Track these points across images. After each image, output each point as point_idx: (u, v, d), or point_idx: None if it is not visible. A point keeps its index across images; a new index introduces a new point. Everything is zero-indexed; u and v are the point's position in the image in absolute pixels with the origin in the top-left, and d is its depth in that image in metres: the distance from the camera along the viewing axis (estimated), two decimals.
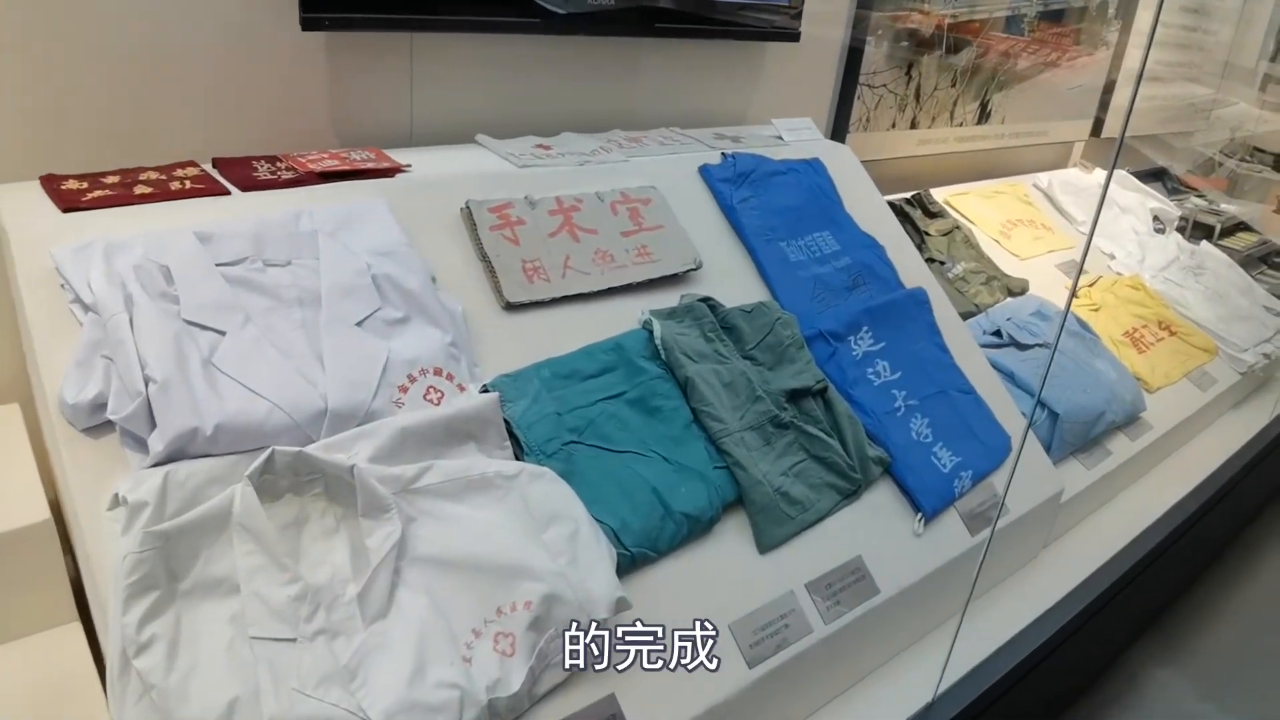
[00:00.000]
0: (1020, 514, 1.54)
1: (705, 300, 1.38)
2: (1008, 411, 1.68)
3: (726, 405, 1.28)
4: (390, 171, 1.32)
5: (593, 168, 1.48)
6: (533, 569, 0.98)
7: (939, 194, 2.44)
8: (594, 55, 1.70)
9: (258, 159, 1.29)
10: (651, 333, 1.29)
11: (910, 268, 1.77)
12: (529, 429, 1.11)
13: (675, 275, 1.40)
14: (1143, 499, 1.91)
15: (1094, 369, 1.90)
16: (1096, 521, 1.84)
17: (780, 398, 1.34)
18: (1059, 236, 2.49)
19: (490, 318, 1.23)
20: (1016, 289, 2.21)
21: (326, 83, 1.42)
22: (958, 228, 2.28)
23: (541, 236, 1.32)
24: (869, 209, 1.81)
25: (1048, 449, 1.73)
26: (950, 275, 2.15)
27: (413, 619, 0.93)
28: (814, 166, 1.73)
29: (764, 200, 1.61)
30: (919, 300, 1.65)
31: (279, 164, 1.29)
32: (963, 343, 1.72)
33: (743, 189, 1.59)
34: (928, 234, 2.23)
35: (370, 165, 1.32)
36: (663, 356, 1.27)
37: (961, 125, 2.50)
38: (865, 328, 1.54)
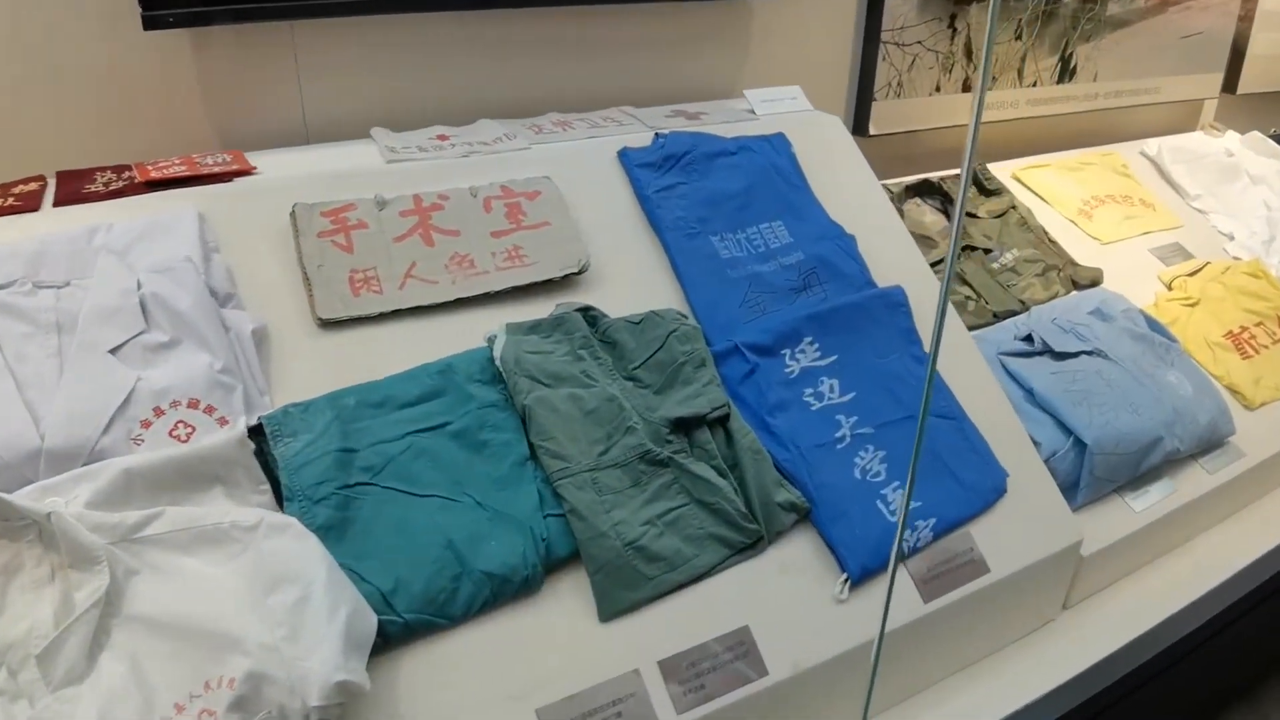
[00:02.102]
0: (1009, 573, 1.23)
1: (584, 310, 1.18)
2: (1017, 441, 1.35)
3: (580, 438, 1.07)
4: (228, 176, 1.21)
5: (481, 158, 1.31)
6: (242, 641, 0.83)
7: (1006, 167, 2.06)
8: (524, 30, 1.52)
9: (103, 169, 1.22)
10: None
11: (904, 264, 1.47)
12: (297, 471, 0.96)
13: (552, 281, 1.21)
14: (1222, 546, 1.50)
15: (1159, 382, 1.51)
16: (1154, 574, 1.46)
17: (663, 428, 1.11)
18: (1160, 215, 2.03)
19: (305, 338, 1.09)
20: (1085, 280, 1.81)
21: (198, 84, 1.33)
22: (1013, 207, 1.90)
23: (385, 241, 1.16)
24: (856, 191, 1.52)
25: (1074, 486, 1.38)
26: (994, 265, 1.79)
27: (106, 686, 0.82)
28: (773, 143, 1.46)
29: (697, 186, 1.37)
30: (893, 302, 1.35)
31: (124, 174, 1.21)
32: (963, 354, 1.41)
33: (670, 174, 1.36)
34: (975, 216, 1.88)
35: (218, 169, 1.22)
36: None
37: (1035, 85, 2.09)
38: (808, 338, 1.27)
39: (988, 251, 1.81)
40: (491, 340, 1.11)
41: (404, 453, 1.02)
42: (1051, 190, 2.01)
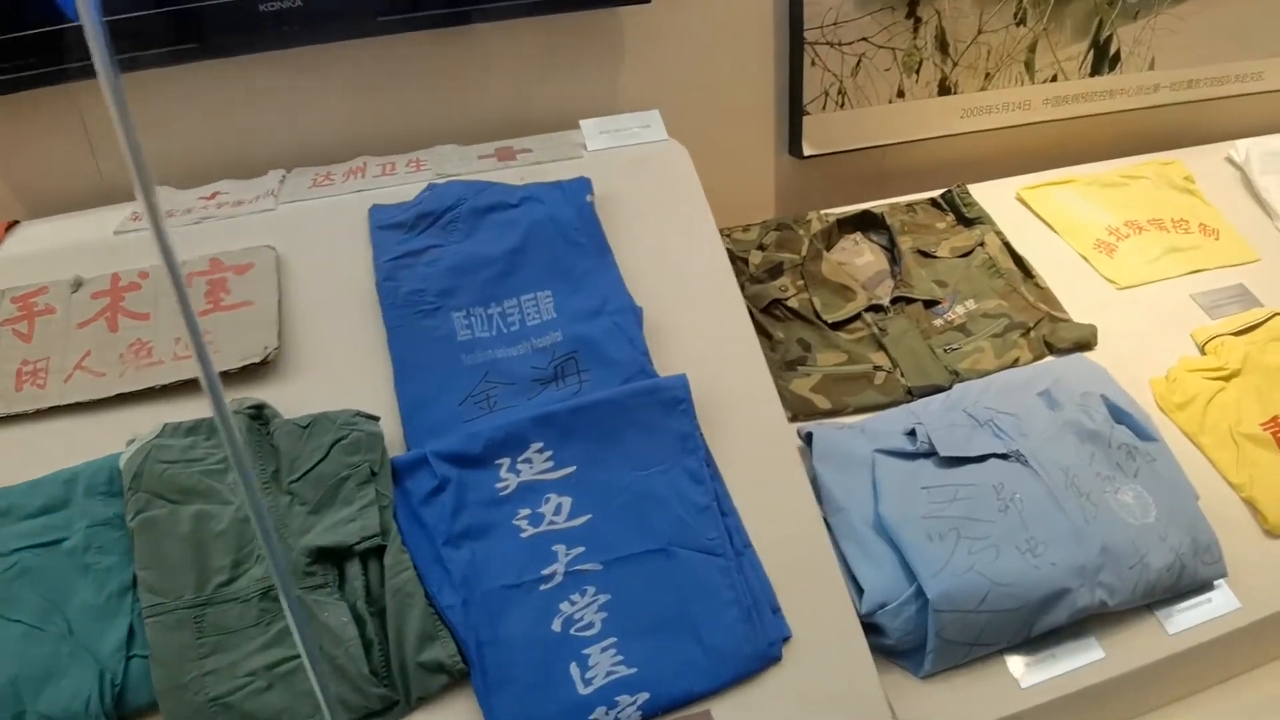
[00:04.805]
0: None
1: (258, 408, 1.04)
2: (827, 584, 1.05)
3: (195, 567, 0.94)
4: None
5: (214, 224, 1.20)
6: None
7: (1012, 185, 1.63)
8: (341, 66, 1.38)
9: None
10: None
11: (725, 344, 1.17)
12: None
13: (232, 373, 1.07)
14: None
15: (1094, 506, 1.10)
16: None
17: (304, 558, 0.96)
18: (1225, 245, 1.51)
19: None
20: (1065, 343, 1.38)
21: None
22: (981, 244, 1.49)
23: (68, 328, 1.09)
24: (688, 244, 1.24)
25: (916, 653, 1.05)
26: (938, 321, 1.41)
27: None
28: (566, 191, 1.22)
29: (454, 250, 1.17)
30: (668, 399, 1.08)
31: None
32: (774, 455, 1.11)
33: (424, 236, 1.18)
34: (932, 256, 1.49)
35: None
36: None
37: (1054, 80, 1.62)
38: (538, 444, 1.05)
39: (930, 305, 1.43)
40: (131, 445, 1.01)
41: (8, 570, 0.95)
42: (1065, 216, 1.56)
